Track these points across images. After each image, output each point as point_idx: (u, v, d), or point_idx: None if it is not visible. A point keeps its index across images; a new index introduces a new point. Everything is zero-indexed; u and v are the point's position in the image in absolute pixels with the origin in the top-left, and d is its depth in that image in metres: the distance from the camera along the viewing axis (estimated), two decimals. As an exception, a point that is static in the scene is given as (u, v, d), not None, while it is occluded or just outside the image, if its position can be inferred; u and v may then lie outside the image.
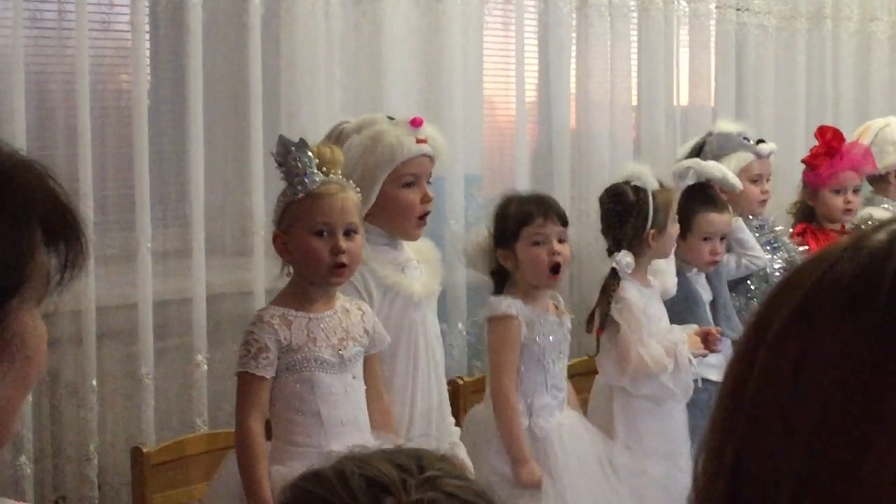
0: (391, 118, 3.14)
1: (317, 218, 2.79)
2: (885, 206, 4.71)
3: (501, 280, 3.43)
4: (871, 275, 0.72)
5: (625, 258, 3.55)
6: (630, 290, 3.56)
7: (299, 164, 2.78)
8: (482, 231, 3.45)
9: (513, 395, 3.31)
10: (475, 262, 3.48)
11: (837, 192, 4.47)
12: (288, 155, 2.79)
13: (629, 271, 3.56)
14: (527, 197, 3.46)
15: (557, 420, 3.39)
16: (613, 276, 3.55)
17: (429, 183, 3.14)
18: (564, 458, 3.34)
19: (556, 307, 3.44)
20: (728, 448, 0.76)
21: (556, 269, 3.34)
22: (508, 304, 3.33)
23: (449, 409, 3.29)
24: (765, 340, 0.76)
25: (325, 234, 2.80)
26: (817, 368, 0.72)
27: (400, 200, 3.07)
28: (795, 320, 0.75)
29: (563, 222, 3.40)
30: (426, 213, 3.12)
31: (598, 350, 3.60)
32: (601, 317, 3.57)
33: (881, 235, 0.75)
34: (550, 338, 3.37)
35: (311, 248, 2.80)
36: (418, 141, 3.09)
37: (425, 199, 3.10)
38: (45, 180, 1.30)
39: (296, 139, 2.83)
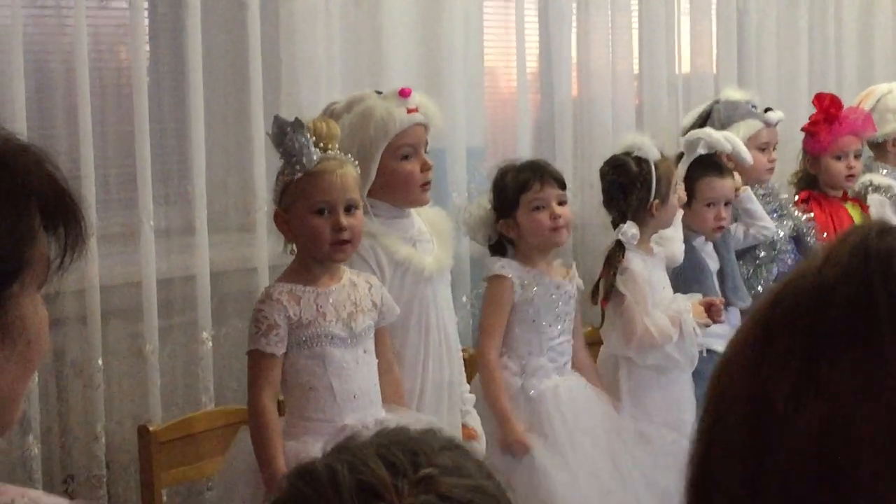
0: (379, 92, 3.13)
1: (316, 196, 2.80)
2: (885, 171, 4.70)
3: (501, 251, 3.47)
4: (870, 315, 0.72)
5: (630, 230, 3.55)
6: (635, 261, 3.57)
7: (296, 145, 2.77)
8: (483, 203, 3.46)
9: (492, 355, 3.37)
10: (475, 234, 3.50)
11: (839, 157, 4.45)
12: (284, 136, 2.78)
13: (634, 243, 3.56)
14: (522, 165, 3.49)
15: (554, 382, 3.41)
16: (618, 248, 3.56)
17: (426, 151, 3.13)
18: (561, 419, 3.37)
19: (567, 271, 3.46)
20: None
21: (558, 231, 3.40)
22: (502, 265, 3.41)
23: (463, 378, 3.30)
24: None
25: (325, 212, 2.80)
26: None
27: (400, 173, 3.07)
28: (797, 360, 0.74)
29: (561, 185, 3.44)
30: (428, 182, 3.12)
31: (602, 321, 3.61)
32: (606, 288, 3.57)
33: (844, 262, 0.75)
34: (546, 299, 3.40)
35: (312, 227, 2.80)
36: (409, 111, 3.07)
37: (425, 168, 3.09)
38: (43, 165, 1.30)
39: (292, 118, 2.82)
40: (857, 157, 4.48)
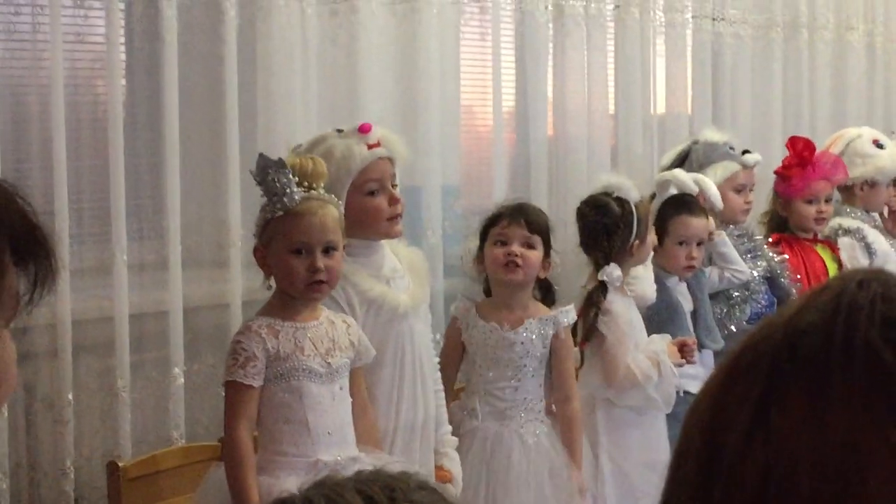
0: (340, 130, 3.11)
1: (294, 237, 2.80)
2: (853, 214, 4.74)
3: (488, 291, 3.49)
4: (822, 369, 0.72)
5: (614, 271, 3.56)
6: (617, 303, 3.57)
7: (277, 184, 2.77)
8: (475, 241, 3.49)
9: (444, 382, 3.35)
10: (470, 271, 3.54)
11: (810, 202, 4.49)
12: (266, 175, 2.78)
13: (618, 284, 3.57)
14: (508, 202, 3.52)
15: (481, 425, 3.38)
16: (601, 289, 3.56)
17: (394, 185, 3.12)
18: (474, 462, 3.34)
19: (536, 315, 3.43)
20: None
21: (508, 267, 3.37)
22: (456, 306, 3.49)
23: (444, 418, 3.28)
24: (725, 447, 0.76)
25: (302, 252, 2.80)
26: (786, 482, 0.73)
27: (367, 208, 3.05)
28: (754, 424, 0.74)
29: (534, 229, 3.40)
30: (397, 215, 3.11)
31: (582, 362, 3.60)
32: (585, 329, 3.57)
33: (817, 308, 0.75)
34: (479, 341, 3.41)
35: (288, 266, 2.80)
36: (370, 146, 3.06)
37: (392, 202, 3.08)
38: (14, 199, 1.29)
39: (274, 156, 2.82)
40: (827, 201, 4.53)
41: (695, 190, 3.92)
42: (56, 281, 1.35)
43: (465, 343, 3.45)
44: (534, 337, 3.40)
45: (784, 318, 0.76)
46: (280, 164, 2.78)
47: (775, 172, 4.52)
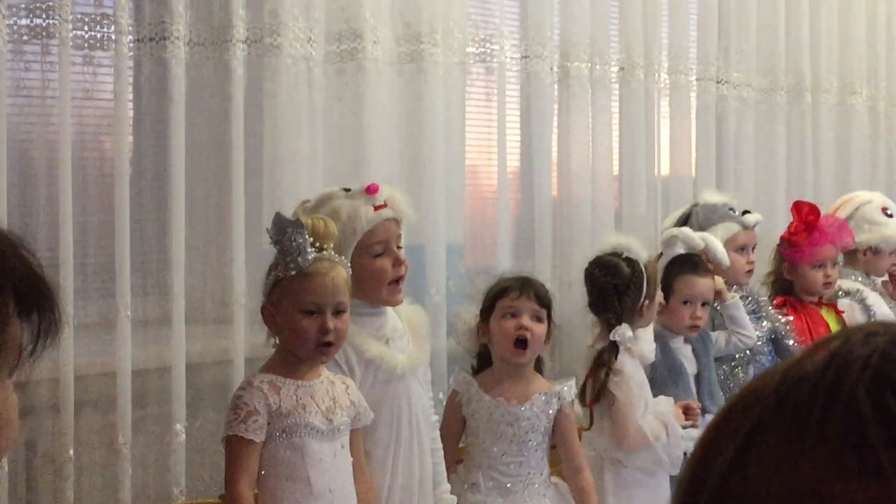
0: (347, 190, 3.12)
1: (307, 297, 2.80)
2: (853, 277, 4.74)
3: (484, 360, 3.45)
4: (800, 422, 0.72)
5: (626, 332, 3.55)
6: (627, 363, 3.56)
7: (294, 244, 2.79)
8: (472, 309, 3.46)
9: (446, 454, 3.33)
10: (463, 341, 3.50)
11: (817, 267, 4.49)
12: (283, 234, 2.79)
13: (630, 345, 3.56)
14: (512, 274, 3.50)
15: (486, 500, 3.34)
16: (613, 350, 3.54)
17: (399, 246, 3.13)
18: None
19: (542, 390, 3.41)
20: None
21: (520, 343, 3.34)
22: (455, 380, 3.46)
23: (442, 477, 3.26)
24: (705, 487, 0.76)
25: (314, 313, 2.80)
26: None
27: (371, 270, 3.06)
28: (734, 469, 0.74)
29: (542, 303, 3.39)
30: (400, 277, 3.11)
31: (591, 423, 3.58)
32: (595, 389, 3.55)
33: (806, 368, 0.75)
34: (484, 417, 3.37)
35: (299, 326, 2.81)
36: (376, 208, 3.07)
37: (396, 264, 3.09)
38: (19, 250, 1.30)
39: (281, 214, 2.85)
40: (834, 265, 4.53)
41: (700, 245, 3.93)
42: (59, 332, 1.35)
43: (465, 417, 3.41)
44: (539, 412, 3.38)
45: (784, 365, 0.76)
46: (298, 224, 2.80)
47: (782, 238, 4.52)
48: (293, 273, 2.79)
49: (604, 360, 3.55)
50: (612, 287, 3.58)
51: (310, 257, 2.79)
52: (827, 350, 0.75)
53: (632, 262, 3.61)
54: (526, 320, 3.35)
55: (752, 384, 0.78)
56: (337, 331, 2.82)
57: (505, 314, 3.36)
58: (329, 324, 2.80)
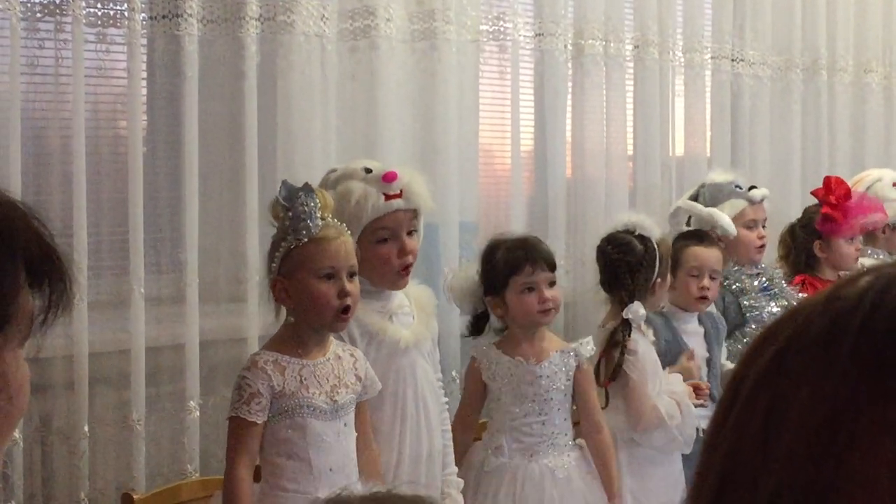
0: (368, 170, 3.12)
1: (324, 262, 2.81)
2: (875, 256, 4.73)
3: (481, 323, 3.46)
4: (838, 330, 0.72)
5: (639, 309, 3.54)
6: (640, 342, 3.56)
7: (306, 209, 2.79)
8: (469, 273, 3.45)
9: (457, 427, 3.37)
10: (461, 303, 3.50)
11: (851, 240, 4.49)
12: (295, 200, 2.80)
13: (642, 322, 3.55)
14: (513, 242, 3.45)
15: (511, 462, 3.36)
16: (626, 328, 3.54)
17: (410, 233, 3.12)
18: (507, 500, 3.32)
19: (556, 348, 3.43)
20: (702, 501, 0.76)
21: (545, 312, 3.38)
22: (474, 346, 3.46)
23: (450, 459, 3.27)
24: (738, 397, 0.76)
25: (332, 277, 2.81)
26: (784, 426, 0.72)
27: (376, 255, 3.06)
28: (766, 377, 0.74)
29: (551, 267, 3.40)
30: (407, 265, 3.11)
31: (606, 402, 3.57)
32: (610, 368, 3.54)
33: (853, 289, 0.74)
34: (507, 378, 3.38)
35: (319, 292, 2.80)
36: (389, 197, 3.07)
37: (402, 253, 3.09)
38: (30, 221, 1.30)
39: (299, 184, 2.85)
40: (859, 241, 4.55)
41: (705, 213, 3.93)
42: (71, 302, 1.35)
43: (486, 382, 3.42)
44: (557, 369, 3.40)
45: (828, 288, 0.76)
46: (308, 189, 2.82)
47: (822, 213, 4.48)
48: (305, 240, 2.79)
49: (617, 338, 3.54)
50: (625, 264, 3.58)
51: (319, 223, 2.80)
52: (869, 275, 0.74)
53: (644, 240, 3.60)
54: (546, 292, 3.36)
55: (798, 303, 0.78)
56: (352, 294, 2.83)
57: (523, 290, 3.36)
58: (347, 286, 2.81)
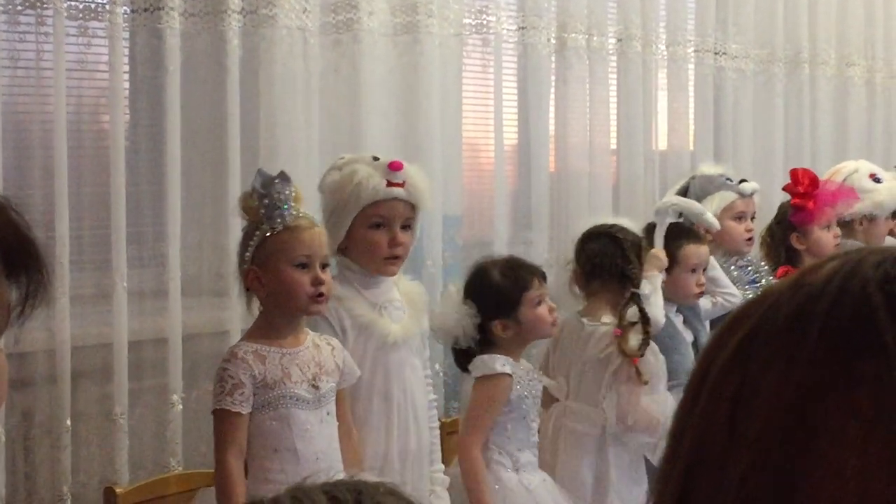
0: (376, 158, 3.15)
1: (298, 251, 2.82)
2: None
3: (468, 357, 3.39)
4: (804, 316, 0.72)
5: (646, 287, 3.57)
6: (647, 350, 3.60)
7: (281, 196, 2.81)
8: (454, 309, 3.34)
9: (477, 451, 3.29)
10: (453, 340, 3.37)
11: (827, 228, 4.50)
12: (271, 187, 2.81)
13: (649, 301, 3.57)
14: (506, 261, 3.46)
15: (541, 475, 3.39)
16: (636, 300, 3.53)
17: (404, 228, 3.13)
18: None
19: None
20: (669, 490, 0.76)
21: (555, 323, 3.43)
22: (503, 363, 3.33)
23: (437, 456, 3.27)
24: (705, 383, 0.76)
25: (305, 266, 2.81)
26: (751, 412, 0.72)
27: (367, 240, 3.09)
28: (733, 363, 0.74)
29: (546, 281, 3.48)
30: (394, 257, 3.12)
31: (642, 378, 3.58)
32: (637, 342, 3.53)
33: (819, 275, 0.74)
34: (533, 393, 3.40)
35: (292, 280, 2.82)
36: (392, 184, 3.08)
37: (393, 243, 3.10)
38: (7, 212, 1.30)
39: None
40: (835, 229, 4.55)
41: (696, 211, 3.93)
42: (48, 294, 1.35)
43: (514, 399, 3.34)
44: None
45: (792, 276, 0.77)
46: (284, 176, 2.83)
47: (792, 204, 4.49)
48: (280, 228, 2.80)
49: (626, 314, 3.51)
50: (619, 250, 3.59)
51: (294, 212, 2.81)
52: (835, 261, 0.75)
53: (627, 231, 3.62)
54: (551, 303, 3.42)
55: (764, 290, 0.78)
56: (326, 282, 2.85)
57: (535, 304, 3.37)
58: (321, 275, 2.83)
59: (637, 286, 3.56)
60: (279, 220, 2.81)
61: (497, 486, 3.31)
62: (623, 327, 3.53)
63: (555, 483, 3.44)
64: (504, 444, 3.35)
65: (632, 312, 3.52)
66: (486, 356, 3.34)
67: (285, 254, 2.82)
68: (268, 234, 2.82)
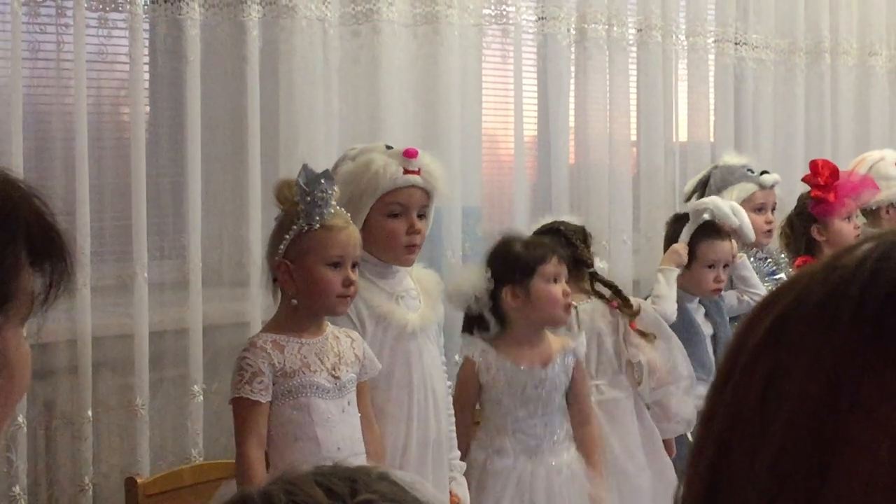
0: (390, 147, 3.15)
1: (333, 250, 2.82)
2: None
3: (472, 325, 3.40)
4: (839, 296, 0.71)
5: (601, 262, 3.68)
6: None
7: (325, 195, 2.80)
8: (474, 271, 3.41)
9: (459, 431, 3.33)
10: (476, 302, 3.39)
11: (847, 219, 4.48)
12: (317, 185, 2.80)
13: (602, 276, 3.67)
14: (533, 237, 3.50)
15: (516, 463, 3.35)
16: (593, 278, 3.61)
17: (421, 216, 3.12)
18: (512, 500, 3.32)
19: (558, 349, 3.43)
20: (699, 472, 0.75)
21: (568, 308, 3.39)
22: (469, 347, 3.38)
23: (454, 443, 3.27)
24: (736, 366, 0.75)
25: (338, 265, 2.82)
26: (783, 394, 0.71)
27: (384, 229, 3.07)
28: (765, 345, 0.73)
29: (569, 269, 3.46)
30: (413, 244, 3.11)
31: (645, 336, 3.64)
32: (629, 309, 3.65)
33: (852, 257, 0.73)
34: (509, 382, 3.36)
35: (324, 279, 2.82)
36: (408, 171, 3.08)
37: (411, 231, 3.09)
38: (31, 200, 1.30)
39: (293, 174, 2.85)
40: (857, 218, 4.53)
41: (735, 223, 3.92)
42: (72, 282, 1.35)
43: (483, 384, 3.37)
44: (559, 371, 3.41)
45: (825, 257, 0.76)
46: (329, 175, 2.82)
47: (811, 196, 4.48)
48: (317, 226, 2.80)
49: (597, 290, 3.62)
50: (566, 241, 3.60)
51: (332, 210, 2.81)
52: (869, 243, 0.74)
53: (567, 223, 3.67)
54: (566, 286, 3.39)
55: (796, 273, 0.77)
56: (355, 284, 2.85)
57: (549, 280, 3.35)
58: (352, 276, 2.83)
59: (590, 266, 3.61)
60: (318, 219, 2.80)
61: (482, 470, 3.33)
62: (607, 300, 3.61)
63: (568, 475, 3.41)
64: (483, 425, 3.40)
65: (601, 287, 3.62)
66: (467, 335, 3.40)
67: (320, 252, 2.82)
68: (304, 231, 2.82)
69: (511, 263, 3.36)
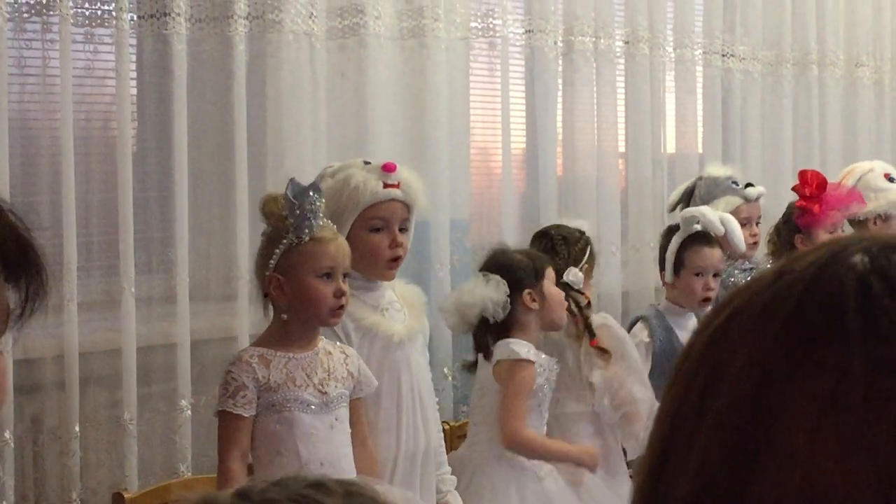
0: (367, 162, 3.15)
1: (324, 262, 2.83)
2: None
3: (500, 332, 3.38)
4: (778, 300, 0.72)
5: (578, 274, 3.61)
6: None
7: (313, 207, 2.81)
8: (481, 285, 3.37)
9: (527, 433, 3.32)
10: (477, 315, 3.36)
11: (831, 232, 4.48)
12: (306, 197, 2.81)
13: (577, 287, 3.62)
14: (521, 249, 3.54)
15: (550, 465, 3.38)
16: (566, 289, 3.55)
17: (402, 229, 3.13)
18: (564, 499, 3.34)
19: None
20: (646, 469, 0.76)
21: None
22: (527, 350, 3.34)
23: (443, 459, 3.27)
24: (684, 365, 0.76)
25: (329, 276, 2.82)
26: (718, 393, 0.71)
27: (367, 244, 3.08)
28: (710, 346, 0.74)
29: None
30: (396, 258, 3.12)
31: (602, 355, 3.63)
32: (583, 329, 3.60)
33: (801, 262, 0.74)
34: (550, 383, 3.40)
35: (316, 291, 2.82)
36: (387, 185, 3.09)
37: (394, 244, 3.10)
38: (5, 215, 1.30)
39: (281, 189, 2.86)
40: (843, 231, 4.53)
41: (720, 230, 3.91)
42: (47, 297, 1.35)
43: (536, 387, 3.34)
44: None
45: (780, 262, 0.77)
46: (317, 187, 2.83)
47: (797, 206, 4.48)
48: (306, 239, 2.80)
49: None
50: (560, 239, 3.60)
51: (321, 223, 2.82)
52: (820, 249, 0.74)
53: (563, 227, 3.68)
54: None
55: (753, 277, 0.78)
56: (346, 294, 2.86)
57: (553, 282, 3.41)
58: (343, 287, 2.84)
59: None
60: (307, 231, 2.81)
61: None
62: (572, 313, 3.55)
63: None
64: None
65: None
66: (510, 340, 3.34)
67: (311, 265, 2.82)
68: (293, 244, 2.82)
69: (521, 269, 3.38)
